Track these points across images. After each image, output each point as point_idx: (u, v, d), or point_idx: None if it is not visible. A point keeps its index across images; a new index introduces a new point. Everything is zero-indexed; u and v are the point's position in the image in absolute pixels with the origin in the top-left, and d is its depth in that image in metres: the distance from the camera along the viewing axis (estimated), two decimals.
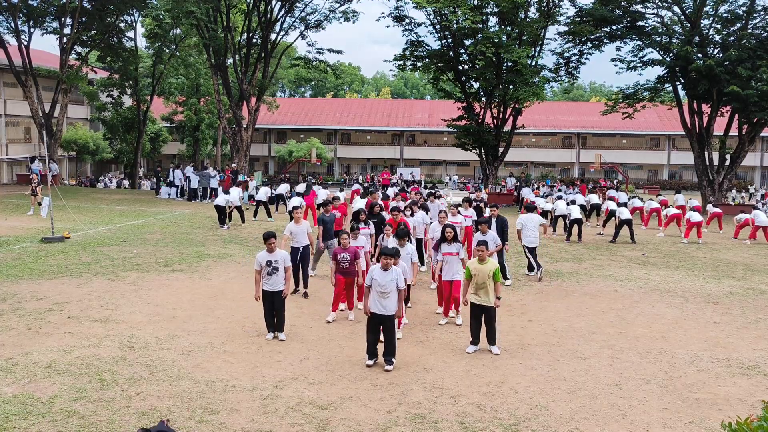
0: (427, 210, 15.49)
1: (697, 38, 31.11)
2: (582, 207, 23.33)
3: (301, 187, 27.55)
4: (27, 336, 9.05)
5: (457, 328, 10.12)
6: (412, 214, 14.09)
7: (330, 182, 54.32)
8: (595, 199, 24.03)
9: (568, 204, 21.39)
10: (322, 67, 37.36)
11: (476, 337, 9.02)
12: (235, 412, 6.74)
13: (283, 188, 26.71)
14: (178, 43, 41.13)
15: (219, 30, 33.27)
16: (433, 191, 19.64)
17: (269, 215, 23.45)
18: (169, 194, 30.99)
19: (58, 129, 37.49)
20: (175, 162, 42.82)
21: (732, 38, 30.81)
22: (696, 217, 20.75)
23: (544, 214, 24.20)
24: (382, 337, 8.40)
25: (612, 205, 22.53)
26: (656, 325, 10.63)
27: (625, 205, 23.29)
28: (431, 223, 14.52)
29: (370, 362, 8.30)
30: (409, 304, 11.13)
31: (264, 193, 23.82)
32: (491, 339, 9.00)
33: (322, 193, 25.29)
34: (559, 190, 25.36)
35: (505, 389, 7.62)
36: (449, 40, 33.06)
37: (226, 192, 21.58)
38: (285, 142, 59.50)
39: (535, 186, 28.44)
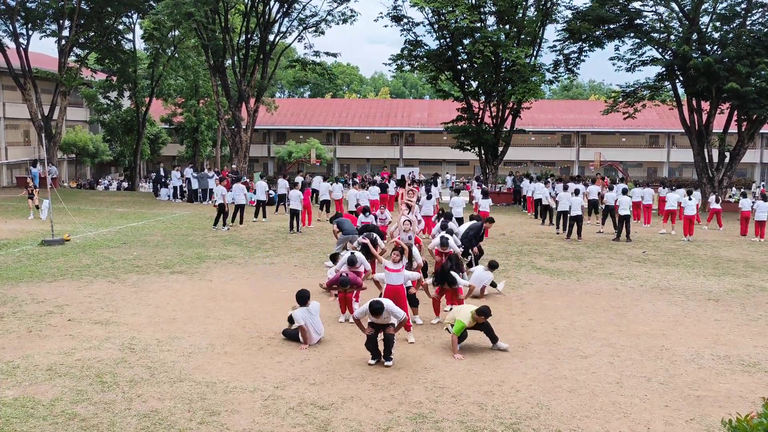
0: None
1: (695, 35, 31.11)
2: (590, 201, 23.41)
3: (299, 180, 27.48)
4: (27, 339, 9.05)
5: None
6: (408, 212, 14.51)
7: (330, 182, 54.24)
8: (594, 193, 23.88)
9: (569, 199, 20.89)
10: (318, 70, 37.34)
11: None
12: (236, 413, 6.74)
13: (283, 185, 26.60)
14: (176, 45, 41.12)
15: (217, 31, 33.26)
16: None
17: (264, 215, 23.42)
18: (169, 196, 31.01)
19: (58, 131, 37.50)
20: (172, 163, 42.86)
21: (730, 35, 30.80)
22: (689, 210, 20.66)
23: (544, 209, 24.19)
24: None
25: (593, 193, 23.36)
26: (657, 323, 10.63)
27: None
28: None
29: (372, 361, 8.32)
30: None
31: (262, 189, 23.73)
32: (493, 339, 9.03)
33: (323, 188, 25.24)
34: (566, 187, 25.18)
35: (506, 388, 7.62)
36: (447, 40, 33.06)
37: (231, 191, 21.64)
38: (284, 142, 59.48)
39: (547, 181, 28.41)
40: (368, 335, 8.36)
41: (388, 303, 8.43)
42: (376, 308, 8.26)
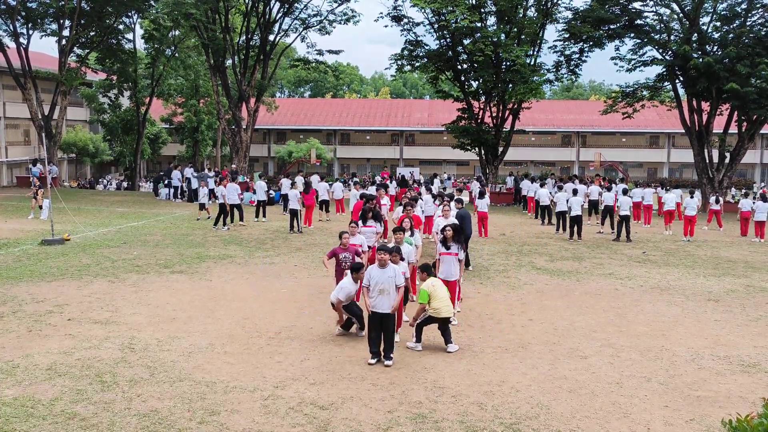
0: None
1: (695, 36, 31.11)
2: (590, 202, 23.35)
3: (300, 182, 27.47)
4: (27, 338, 9.05)
5: (456, 327, 10.11)
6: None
7: (330, 183, 54.24)
8: (594, 193, 23.88)
9: (567, 200, 20.83)
10: (322, 68, 37.29)
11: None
12: (236, 412, 6.74)
13: (287, 185, 26.59)
14: (177, 45, 41.11)
15: (218, 31, 33.26)
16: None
17: (264, 215, 23.44)
18: (168, 195, 31.01)
19: (58, 131, 37.50)
20: (173, 162, 42.81)
21: (731, 36, 30.79)
22: (690, 211, 20.66)
23: (542, 209, 24.16)
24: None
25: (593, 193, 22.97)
26: (657, 323, 10.63)
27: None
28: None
29: (372, 361, 8.32)
30: (413, 297, 10.82)
31: (261, 189, 23.75)
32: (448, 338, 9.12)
33: (321, 187, 25.21)
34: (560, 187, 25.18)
35: (505, 388, 7.62)
36: (448, 40, 33.06)
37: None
38: (284, 142, 59.48)
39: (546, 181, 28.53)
40: (370, 336, 8.35)
41: (395, 266, 8.63)
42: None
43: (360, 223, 12.32)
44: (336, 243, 10.67)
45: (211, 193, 29.19)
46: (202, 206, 23.13)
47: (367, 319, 8.64)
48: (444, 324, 8.98)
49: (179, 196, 30.81)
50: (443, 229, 10.58)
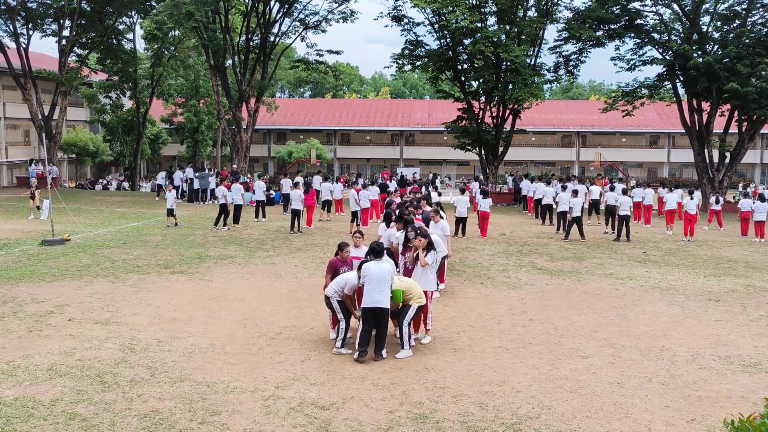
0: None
1: (696, 36, 31.11)
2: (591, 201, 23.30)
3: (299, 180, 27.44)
4: (28, 339, 9.04)
5: (457, 327, 10.11)
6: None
7: (330, 182, 54.18)
8: (595, 193, 23.86)
9: (570, 200, 20.73)
10: (322, 68, 37.31)
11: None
12: (237, 413, 6.74)
13: (287, 184, 26.59)
14: (177, 45, 41.15)
15: (218, 31, 33.28)
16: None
17: (264, 215, 23.44)
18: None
19: (58, 131, 37.52)
20: (176, 164, 42.88)
21: (731, 35, 30.80)
22: (691, 210, 20.64)
23: (544, 209, 24.15)
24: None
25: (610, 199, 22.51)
26: (657, 323, 10.62)
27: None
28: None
29: (361, 358, 8.32)
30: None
31: (260, 189, 23.75)
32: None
33: (324, 188, 25.24)
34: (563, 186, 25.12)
35: (506, 388, 7.61)
36: (448, 40, 33.07)
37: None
38: (284, 143, 59.53)
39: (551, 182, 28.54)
40: (362, 332, 8.35)
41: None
42: (376, 249, 8.56)
43: (384, 225, 12.29)
44: (336, 245, 10.52)
45: (212, 194, 29.23)
46: (170, 212, 21.09)
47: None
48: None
49: (179, 197, 30.80)
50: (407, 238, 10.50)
